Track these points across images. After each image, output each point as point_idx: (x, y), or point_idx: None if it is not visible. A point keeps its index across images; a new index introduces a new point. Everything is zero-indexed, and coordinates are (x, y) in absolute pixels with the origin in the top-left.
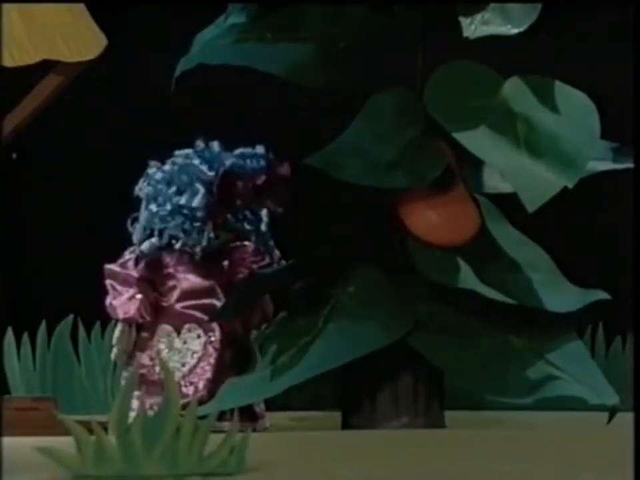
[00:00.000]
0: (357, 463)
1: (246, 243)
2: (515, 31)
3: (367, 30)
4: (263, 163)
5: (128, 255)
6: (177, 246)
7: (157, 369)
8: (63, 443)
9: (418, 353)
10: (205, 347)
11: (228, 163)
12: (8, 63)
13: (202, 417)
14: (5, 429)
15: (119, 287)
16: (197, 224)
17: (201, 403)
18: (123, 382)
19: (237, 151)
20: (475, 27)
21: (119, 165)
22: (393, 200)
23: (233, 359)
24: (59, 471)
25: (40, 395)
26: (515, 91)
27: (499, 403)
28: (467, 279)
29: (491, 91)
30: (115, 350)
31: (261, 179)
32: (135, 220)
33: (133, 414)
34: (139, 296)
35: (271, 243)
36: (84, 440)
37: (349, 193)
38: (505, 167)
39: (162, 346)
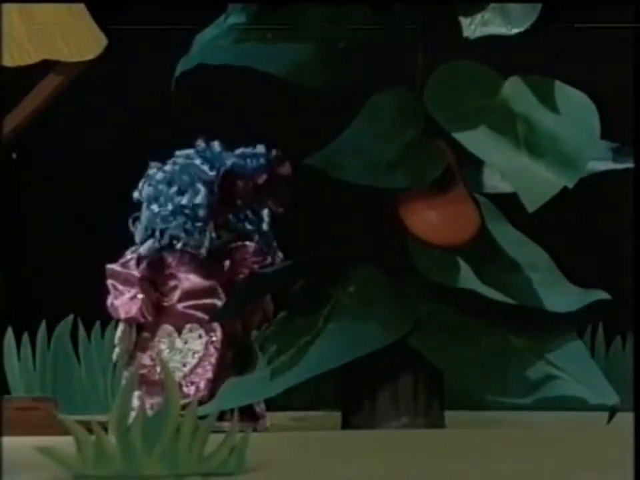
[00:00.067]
0: (357, 463)
1: (247, 242)
2: (515, 30)
3: (367, 30)
4: (263, 162)
5: (129, 255)
6: (179, 246)
7: (158, 369)
8: (63, 443)
9: (418, 353)
10: (206, 347)
11: (229, 162)
12: (8, 62)
13: (202, 417)
14: (5, 428)
15: (120, 287)
16: (199, 224)
17: (202, 402)
18: (123, 382)
19: (238, 151)
20: (475, 27)
21: (119, 165)
22: (393, 200)
23: (234, 358)
24: (59, 471)
25: (40, 394)
26: (515, 90)
27: (499, 403)
28: (467, 278)
29: (491, 91)
30: (117, 350)
31: (262, 179)
32: (137, 220)
33: (133, 414)
34: (140, 296)
35: (274, 243)
36: (84, 440)
37: (349, 193)
38: (505, 167)
39: (163, 346)
